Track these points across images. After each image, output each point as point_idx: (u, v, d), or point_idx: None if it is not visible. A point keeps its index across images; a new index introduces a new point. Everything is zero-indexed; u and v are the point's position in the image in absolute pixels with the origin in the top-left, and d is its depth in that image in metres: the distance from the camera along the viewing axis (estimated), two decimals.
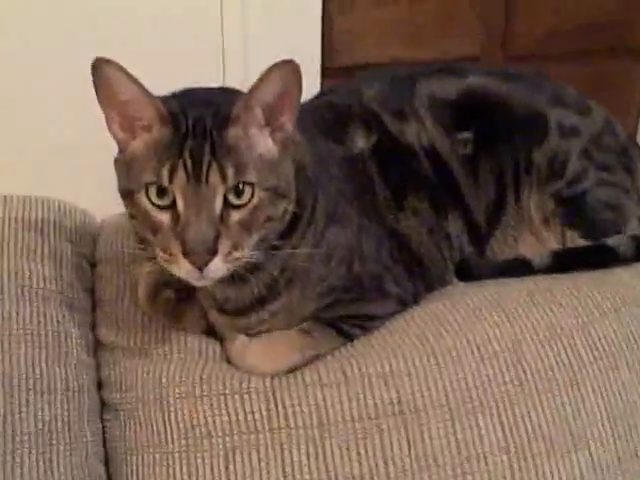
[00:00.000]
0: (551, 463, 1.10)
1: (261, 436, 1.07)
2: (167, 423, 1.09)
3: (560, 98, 1.36)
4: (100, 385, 1.17)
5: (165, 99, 1.02)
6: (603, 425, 1.14)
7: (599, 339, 1.18)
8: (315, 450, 1.07)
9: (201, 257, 0.96)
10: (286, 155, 1.04)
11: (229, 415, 1.08)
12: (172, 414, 1.09)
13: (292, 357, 1.12)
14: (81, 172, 1.67)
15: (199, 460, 1.07)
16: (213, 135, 0.98)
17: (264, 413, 1.08)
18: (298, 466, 1.07)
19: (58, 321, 1.14)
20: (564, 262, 1.28)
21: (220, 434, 1.07)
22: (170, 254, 0.98)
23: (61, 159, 1.87)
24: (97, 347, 1.20)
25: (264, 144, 1.02)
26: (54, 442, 1.06)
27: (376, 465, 1.07)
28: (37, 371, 1.08)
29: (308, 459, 1.07)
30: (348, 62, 2.44)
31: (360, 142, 1.24)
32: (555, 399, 1.13)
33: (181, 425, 1.08)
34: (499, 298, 1.20)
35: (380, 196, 1.23)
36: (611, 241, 1.29)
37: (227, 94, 1.07)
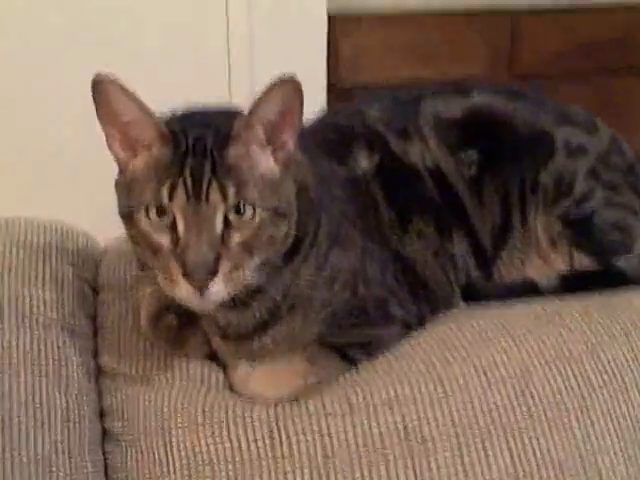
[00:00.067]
0: None
1: (264, 464, 1.05)
2: (169, 452, 1.06)
3: (567, 116, 1.34)
4: (102, 413, 1.15)
5: (166, 118, 1.02)
6: (614, 450, 1.12)
7: (608, 363, 1.16)
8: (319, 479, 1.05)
9: (201, 278, 0.94)
10: (288, 175, 1.03)
11: (231, 443, 1.06)
12: (174, 443, 1.07)
13: (295, 384, 1.10)
14: (84, 194, 1.67)
15: None
16: (214, 154, 0.97)
17: (267, 442, 1.06)
18: None
19: (59, 348, 1.13)
20: (572, 284, 1.26)
21: (222, 463, 1.05)
22: (170, 276, 0.96)
23: (64, 180, 1.87)
24: (99, 374, 1.18)
25: (265, 163, 1.01)
26: (54, 471, 1.04)
27: None
28: (37, 399, 1.07)
29: None
30: (354, 82, 2.46)
31: (363, 162, 1.23)
32: (564, 424, 1.11)
33: (183, 454, 1.06)
34: (506, 322, 1.18)
35: (384, 217, 1.21)
36: (619, 262, 1.28)
37: (228, 113, 1.06)
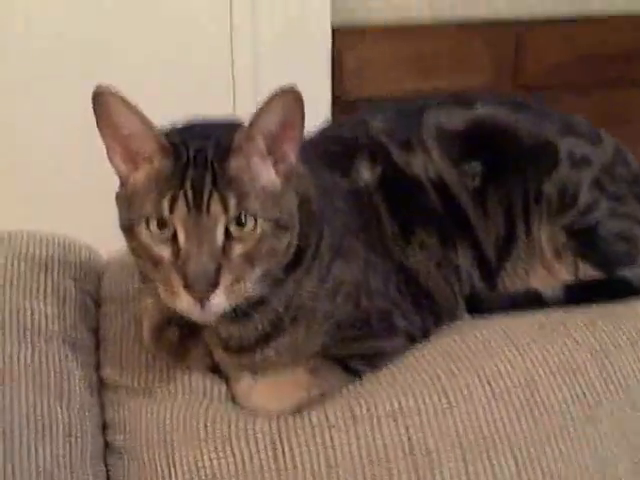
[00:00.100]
0: None
1: (267, 476, 1.04)
2: (171, 465, 1.06)
3: (571, 127, 1.34)
4: (104, 426, 1.15)
5: (166, 130, 1.02)
6: (621, 459, 1.11)
7: (614, 372, 1.15)
8: None
9: (202, 289, 0.94)
10: (289, 187, 1.02)
11: (234, 456, 1.05)
12: (176, 456, 1.06)
13: (298, 396, 1.09)
14: (87, 207, 1.67)
15: None
16: (214, 166, 0.96)
17: (270, 454, 1.05)
18: None
19: (60, 361, 1.12)
20: (576, 295, 1.26)
21: (226, 476, 1.04)
22: (171, 288, 0.96)
23: (66, 193, 1.87)
24: (101, 387, 1.17)
25: (267, 175, 1.01)
26: None
27: None
28: (38, 413, 1.06)
29: None
30: (358, 95, 2.45)
31: (366, 174, 1.22)
32: (570, 435, 1.10)
33: (185, 468, 1.05)
34: (510, 332, 1.18)
35: (387, 229, 1.20)
36: (625, 273, 1.27)
37: (229, 125, 1.05)
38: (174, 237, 0.96)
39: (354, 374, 1.13)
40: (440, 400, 1.09)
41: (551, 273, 1.29)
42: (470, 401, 1.10)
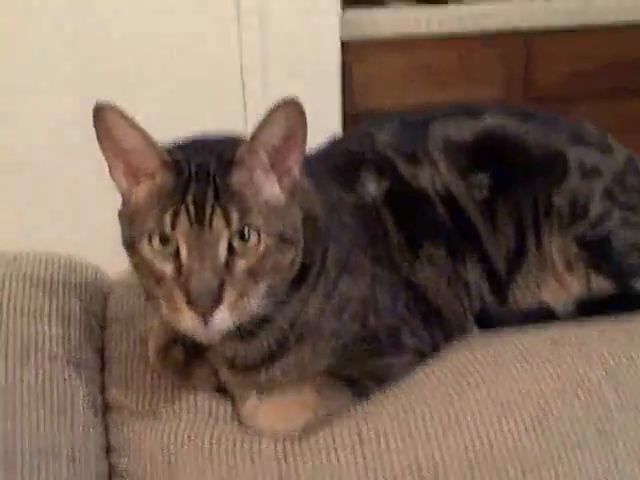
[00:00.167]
0: None
1: None
2: None
3: (580, 136, 1.31)
4: (108, 449, 1.13)
5: (168, 146, 1.01)
6: (636, 477, 1.08)
7: (628, 387, 1.12)
8: None
9: (206, 305, 0.92)
10: (293, 202, 1.01)
11: (239, 478, 1.03)
12: (181, 477, 1.04)
13: (305, 417, 1.07)
14: (93, 226, 1.66)
15: None
16: (217, 180, 0.95)
17: (275, 475, 1.03)
18: None
19: (64, 381, 1.11)
20: (589, 309, 1.24)
21: None
22: (174, 304, 0.94)
23: (72, 213, 1.87)
24: (105, 409, 1.16)
25: (270, 190, 0.99)
26: None
27: None
28: (42, 435, 1.05)
29: None
30: (368, 108, 2.45)
31: (372, 188, 1.20)
32: (584, 453, 1.07)
33: None
34: (522, 347, 1.16)
35: (394, 244, 1.19)
36: (638, 285, 1.24)
37: (231, 140, 1.04)
38: (176, 253, 0.95)
39: (362, 393, 1.11)
40: (449, 418, 1.07)
41: (562, 285, 1.27)
42: (480, 419, 1.07)
